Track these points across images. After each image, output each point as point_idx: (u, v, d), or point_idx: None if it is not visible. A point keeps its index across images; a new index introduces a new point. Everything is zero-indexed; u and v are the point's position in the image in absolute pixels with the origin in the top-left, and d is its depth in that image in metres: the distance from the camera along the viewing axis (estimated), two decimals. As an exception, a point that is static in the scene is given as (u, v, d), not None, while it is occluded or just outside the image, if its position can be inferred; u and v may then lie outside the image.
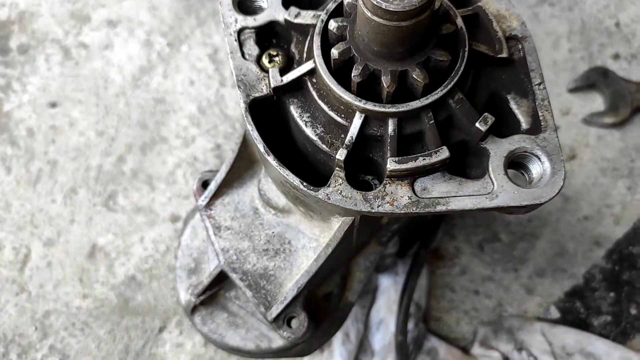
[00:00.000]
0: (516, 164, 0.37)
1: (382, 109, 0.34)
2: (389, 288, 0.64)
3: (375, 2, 0.30)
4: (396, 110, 0.34)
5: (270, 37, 0.42)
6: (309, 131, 0.38)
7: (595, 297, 0.66)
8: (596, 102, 0.74)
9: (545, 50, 0.77)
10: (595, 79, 0.74)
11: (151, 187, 0.72)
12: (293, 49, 0.40)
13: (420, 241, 0.61)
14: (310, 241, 0.44)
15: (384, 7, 0.30)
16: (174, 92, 0.77)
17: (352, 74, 0.34)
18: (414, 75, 0.34)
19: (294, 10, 0.39)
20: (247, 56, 0.40)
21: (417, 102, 0.34)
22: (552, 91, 0.75)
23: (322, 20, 0.37)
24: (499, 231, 0.70)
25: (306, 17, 0.39)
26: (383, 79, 0.33)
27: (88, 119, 0.76)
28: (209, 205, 0.47)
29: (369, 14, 0.31)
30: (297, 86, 0.38)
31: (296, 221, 0.45)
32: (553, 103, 0.75)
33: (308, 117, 0.38)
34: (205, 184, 0.48)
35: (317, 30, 0.36)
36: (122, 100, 0.77)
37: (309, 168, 0.41)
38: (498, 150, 0.36)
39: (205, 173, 0.49)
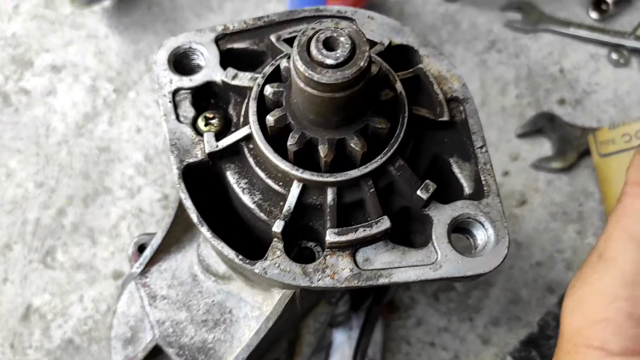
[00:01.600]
0: (461, 229, 0.36)
1: (320, 179, 0.33)
2: (342, 344, 0.61)
3: (307, 74, 0.28)
4: (334, 179, 0.33)
5: (208, 97, 0.40)
6: (246, 199, 0.36)
7: (550, 344, 0.65)
8: (544, 147, 0.75)
9: (493, 96, 0.78)
10: (542, 125, 0.75)
11: (93, 242, 0.68)
12: (231, 110, 0.38)
13: (373, 295, 0.59)
14: (253, 310, 0.41)
15: (315, 79, 0.28)
16: (120, 140, 0.74)
17: (288, 143, 0.32)
18: (351, 144, 0.32)
19: (231, 71, 0.38)
20: (182, 119, 0.38)
21: (356, 171, 0.33)
22: (501, 137, 0.75)
23: (259, 85, 0.35)
24: (455, 277, 0.69)
25: (243, 79, 0.37)
26: (320, 148, 0.32)
27: (27, 169, 0.72)
28: (144, 272, 0.44)
29: (301, 85, 0.29)
30: (234, 151, 0.36)
31: (237, 288, 0.42)
32: (503, 147, 0.76)
33: (245, 183, 0.36)
34: (142, 248, 0.45)
35: (253, 94, 0.35)
36: (64, 149, 0.73)
37: (249, 234, 0.38)
38: (441, 217, 0.35)
39: (142, 236, 0.46)
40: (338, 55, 0.28)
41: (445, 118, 0.37)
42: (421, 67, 0.38)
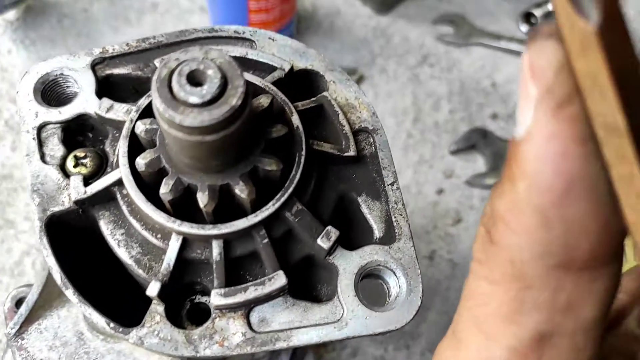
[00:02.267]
0: (372, 276, 0.32)
1: (201, 232, 0.27)
2: (270, 384, 0.56)
3: (167, 115, 0.23)
4: (218, 232, 0.28)
5: (84, 131, 0.34)
6: (122, 253, 0.30)
7: (488, 369, 0.63)
8: (478, 162, 0.73)
9: (426, 111, 0.75)
10: (476, 140, 0.73)
11: (-9, 283, 0.60)
12: (108, 147, 0.33)
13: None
14: (147, 371, 0.36)
15: (177, 122, 0.23)
16: (24, 166, 0.66)
17: (161, 191, 0.27)
18: (236, 191, 0.27)
19: (106, 102, 0.32)
20: (48, 158, 0.32)
21: (244, 221, 0.28)
22: (435, 153, 0.73)
23: (132, 120, 0.30)
24: (392, 300, 0.66)
25: (119, 112, 0.32)
26: (199, 196, 0.27)
27: None
28: (20, 332, 0.37)
29: (165, 126, 0.24)
30: (107, 197, 0.31)
31: (130, 347, 0.37)
32: (437, 164, 0.72)
33: (122, 234, 0.31)
34: (20, 303, 0.39)
35: (124, 132, 0.29)
36: (-40, 177, 0.65)
37: (137, 290, 0.33)
38: (347, 266, 0.30)
39: (20, 288, 0.39)
40: (204, 92, 0.23)
41: (352, 153, 0.32)
42: (326, 95, 0.34)
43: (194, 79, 0.23)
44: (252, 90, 0.30)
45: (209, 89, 0.23)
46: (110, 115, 0.32)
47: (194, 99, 0.23)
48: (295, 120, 0.30)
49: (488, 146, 0.73)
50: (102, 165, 0.32)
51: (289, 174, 0.29)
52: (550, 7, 0.80)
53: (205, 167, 0.27)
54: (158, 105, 0.23)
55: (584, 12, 0.15)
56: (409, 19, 0.81)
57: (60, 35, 0.73)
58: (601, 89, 0.16)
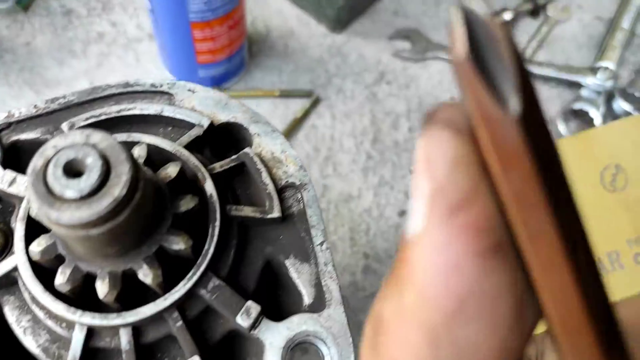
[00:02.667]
0: (303, 346, 0.30)
1: (104, 322, 0.25)
2: None
3: (43, 212, 0.21)
4: (124, 321, 0.25)
5: (-9, 203, 0.32)
6: (28, 341, 0.28)
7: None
8: (439, 180, 0.71)
9: (385, 131, 0.73)
10: (436, 158, 0.71)
11: None
12: (14, 223, 0.30)
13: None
14: None
15: (54, 220, 0.21)
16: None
17: (56, 282, 0.25)
18: (141, 275, 0.25)
19: (9, 174, 0.30)
20: (-54, 239, 0.30)
21: (152, 307, 0.26)
22: (396, 174, 0.71)
23: (29, 200, 0.27)
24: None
25: (21, 185, 0.29)
26: (98, 285, 0.25)
27: None
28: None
29: (46, 222, 0.22)
30: (10, 281, 0.28)
31: None
32: (398, 185, 0.71)
33: (28, 321, 0.28)
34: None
35: (21, 212, 0.27)
36: None
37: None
38: (274, 339, 0.28)
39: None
40: (83, 184, 0.21)
41: (276, 214, 0.30)
42: (247, 151, 0.31)
43: (72, 169, 0.21)
44: (160, 158, 0.28)
45: (87, 181, 0.21)
46: (12, 189, 0.29)
47: (71, 193, 0.21)
48: (209, 187, 0.28)
49: (448, 163, 0.71)
50: (7, 244, 0.30)
51: (202, 248, 0.27)
52: (506, 16, 0.79)
53: (103, 254, 0.24)
54: (33, 201, 0.21)
55: (501, 99, 0.13)
56: (364, 36, 0.79)
57: (1, 71, 0.70)
58: (522, 187, 0.13)
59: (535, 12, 0.82)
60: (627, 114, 0.74)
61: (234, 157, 0.31)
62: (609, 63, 0.76)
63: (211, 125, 0.32)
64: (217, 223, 0.27)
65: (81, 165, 0.21)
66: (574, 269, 0.14)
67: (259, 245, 0.30)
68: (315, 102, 0.73)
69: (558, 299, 0.14)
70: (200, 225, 0.27)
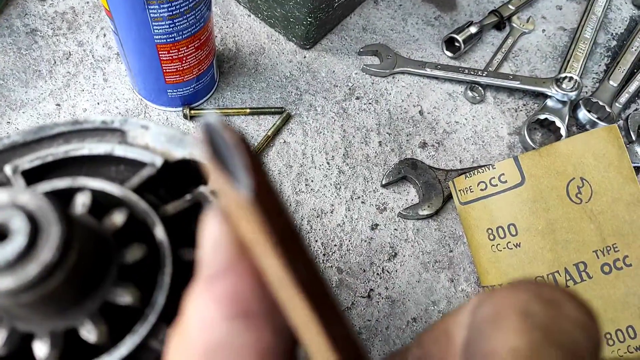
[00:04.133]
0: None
1: (46, 384, 0.23)
2: None
3: (-36, 281, 0.19)
4: (66, 382, 0.23)
5: None
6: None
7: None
8: (411, 193, 0.70)
9: (356, 146, 0.72)
10: (406, 171, 0.70)
11: None
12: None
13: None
14: None
15: (-25, 289, 0.19)
16: None
17: (-8, 346, 0.23)
18: (84, 333, 0.23)
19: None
20: None
21: (97, 366, 0.24)
22: (367, 188, 0.70)
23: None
24: (335, 340, 0.62)
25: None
26: (36, 346, 0.23)
27: None
28: None
29: (-30, 288, 0.20)
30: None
31: None
32: (370, 199, 0.69)
33: (-31, 380, 0.26)
34: None
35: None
36: None
37: None
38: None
39: None
40: (6, 252, 0.19)
41: (232, 255, 0.28)
42: (203, 192, 0.30)
43: (-3, 233, 0.19)
44: (106, 204, 0.26)
45: (12, 246, 0.19)
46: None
47: (-6, 261, 0.19)
48: (159, 233, 0.26)
49: (419, 176, 0.70)
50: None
51: (150, 299, 0.25)
52: (472, 30, 0.78)
53: (41, 314, 0.22)
54: (-47, 269, 0.19)
55: (238, 182, 0.15)
56: (334, 52, 0.77)
57: (-35, 95, 0.67)
58: (264, 250, 0.16)
59: (500, 24, 0.82)
60: (592, 122, 0.74)
61: (188, 197, 0.29)
62: (573, 73, 0.76)
63: (165, 163, 0.30)
64: (168, 270, 0.25)
65: (5, 229, 0.19)
66: (318, 315, 0.16)
67: (215, 287, 0.29)
68: (287, 119, 0.71)
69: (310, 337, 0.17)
70: (151, 273, 0.25)
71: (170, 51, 0.60)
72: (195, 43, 0.61)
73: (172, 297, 0.26)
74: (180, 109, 0.68)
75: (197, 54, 0.63)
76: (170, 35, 0.58)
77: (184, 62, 0.62)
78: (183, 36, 0.59)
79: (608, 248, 0.57)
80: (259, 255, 0.17)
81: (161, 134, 0.32)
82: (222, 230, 0.17)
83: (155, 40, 0.58)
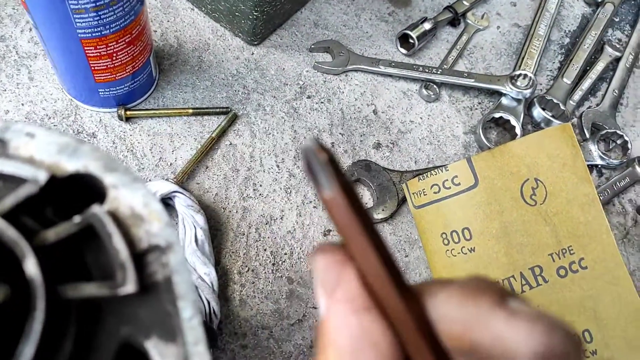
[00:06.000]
0: None
1: None
2: None
3: None
4: None
5: None
6: None
7: None
8: (365, 196, 0.67)
9: (308, 147, 0.67)
10: (360, 174, 0.67)
11: None
12: None
13: None
14: None
15: None
16: None
17: None
18: None
19: None
20: None
21: None
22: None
23: None
24: None
25: None
26: None
27: None
28: None
29: None
30: None
31: None
32: (322, 204, 0.65)
33: None
34: None
35: None
36: None
37: None
38: None
39: None
40: None
41: (129, 288, 0.24)
42: (96, 212, 0.25)
43: None
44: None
45: None
46: None
47: None
48: (31, 267, 0.21)
49: (373, 178, 0.67)
50: None
51: (16, 351, 0.20)
52: (426, 26, 0.75)
53: None
54: None
55: (324, 187, 0.21)
56: (283, 49, 0.73)
57: None
58: (357, 238, 0.21)
59: (454, 21, 0.79)
60: (547, 121, 0.73)
61: (77, 220, 0.24)
62: (527, 70, 0.73)
63: (52, 179, 0.25)
64: (39, 315, 0.20)
65: None
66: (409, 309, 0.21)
67: (112, 326, 0.24)
68: (233, 120, 0.66)
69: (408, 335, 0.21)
70: (19, 319, 0.20)
71: (98, 47, 0.54)
72: (126, 38, 0.55)
73: (48, 344, 0.21)
74: (115, 109, 0.62)
75: (130, 50, 0.57)
76: (96, 29, 0.52)
77: (114, 58, 0.56)
78: (111, 30, 0.53)
79: (564, 250, 0.55)
80: (354, 244, 0.21)
81: (51, 143, 0.27)
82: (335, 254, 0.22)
83: (80, 35, 0.52)
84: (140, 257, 0.25)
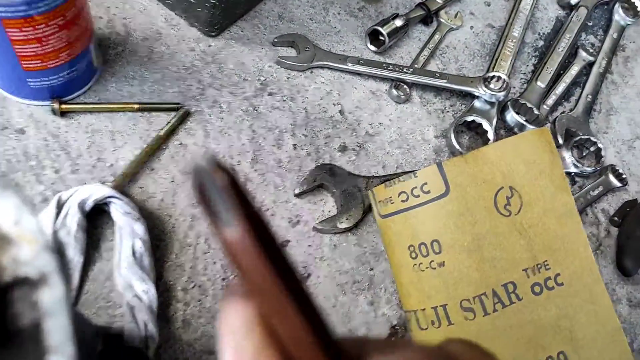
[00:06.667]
0: None
1: None
2: None
3: None
4: None
5: None
6: None
7: None
8: (328, 204, 0.61)
9: (267, 148, 0.61)
10: (323, 179, 0.60)
11: None
12: None
13: None
14: None
15: None
16: None
17: None
18: None
19: None
20: None
21: None
22: (279, 198, 0.59)
23: None
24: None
25: None
26: None
27: None
28: None
29: None
30: None
31: None
32: (281, 211, 0.58)
33: None
34: None
35: None
36: None
37: None
38: None
39: None
40: None
41: (-25, 341, 0.17)
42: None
43: None
44: None
45: None
46: None
47: None
48: None
49: (337, 184, 0.60)
50: None
51: None
52: (397, 23, 0.70)
53: None
54: None
55: (226, 223, 0.15)
56: (244, 42, 0.66)
57: None
58: (269, 285, 0.16)
59: (427, 19, 0.74)
60: (520, 125, 0.68)
61: None
62: (501, 73, 0.69)
63: None
64: None
65: None
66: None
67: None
68: (184, 117, 0.59)
69: None
70: None
71: (23, 29, 0.46)
72: (57, 20, 0.47)
73: None
74: (49, 102, 0.54)
75: (63, 35, 0.49)
76: (19, 9, 0.45)
77: (44, 43, 0.49)
78: (38, 10, 0.45)
79: (539, 266, 0.50)
80: (270, 301, 0.16)
81: None
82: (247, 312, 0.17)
83: (1, 15, 0.44)
84: (1, 293, 0.18)
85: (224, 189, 0.15)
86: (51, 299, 0.18)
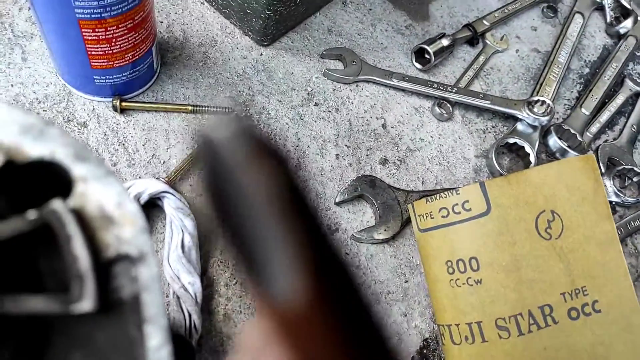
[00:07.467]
0: None
1: None
2: None
3: None
4: None
5: None
6: None
7: None
8: (367, 214, 0.62)
9: (311, 157, 0.63)
10: (363, 189, 0.62)
11: None
12: None
13: None
14: None
15: None
16: None
17: None
18: None
19: None
20: None
21: None
22: (320, 205, 0.61)
23: None
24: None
25: None
26: None
27: None
28: None
29: None
30: None
31: None
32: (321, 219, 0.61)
33: None
34: None
35: None
36: None
37: None
38: None
39: None
40: None
41: (87, 305, 0.19)
42: (55, 207, 0.20)
43: None
44: None
45: None
46: None
47: None
48: (-41, 272, 0.17)
49: (377, 196, 0.62)
50: None
51: None
52: (444, 42, 0.72)
53: None
54: None
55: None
56: (294, 53, 0.69)
57: None
58: None
59: (473, 40, 0.76)
60: (563, 151, 0.69)
61: (31, 216, 0.20)
62: (545, 97, 0.70)
63: (9, 164, 0.21)
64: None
65: None
66: None
67: (60, 350, 0.19)
68: (234, 121, 0.62)
69: None
70: None
71: (96, 30, 0.50)
72: (127, 23, 0.51)
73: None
74: (110, 99, 0.58)
75: (131, 37, 0.53)
76: (95, 11, 0.48)
77: (113, 44, 0.52)
78: (111, 13, 0.49)
79: (577, 291, 0.50)
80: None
81: (12, 122, 0.22)
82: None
83: (78, 16, 0.48)
84: (105, 267, 0.20)
85: None
86: (148, 276, 0.21)
